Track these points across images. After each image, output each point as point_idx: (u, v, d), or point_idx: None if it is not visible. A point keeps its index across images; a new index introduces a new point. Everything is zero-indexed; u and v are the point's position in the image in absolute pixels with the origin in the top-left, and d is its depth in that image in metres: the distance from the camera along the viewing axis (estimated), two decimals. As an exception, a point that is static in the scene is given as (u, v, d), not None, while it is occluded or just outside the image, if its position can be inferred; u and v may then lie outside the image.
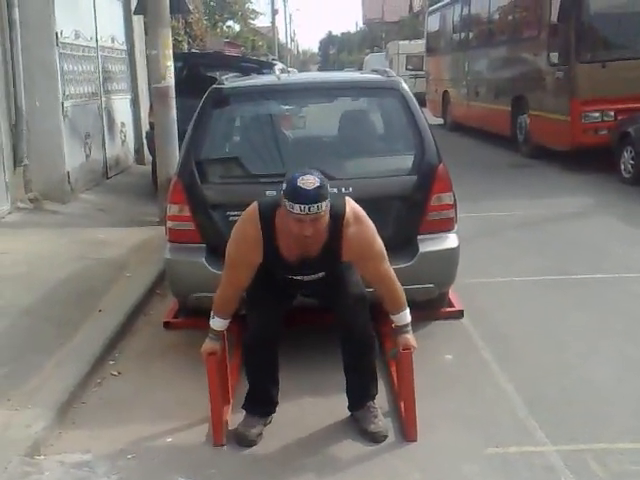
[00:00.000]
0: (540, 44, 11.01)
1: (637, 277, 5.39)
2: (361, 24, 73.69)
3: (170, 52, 7.15)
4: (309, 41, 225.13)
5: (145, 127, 10.83)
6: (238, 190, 4.06)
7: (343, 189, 3.79)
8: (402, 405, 3.36)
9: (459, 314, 4.50)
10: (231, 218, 3.83)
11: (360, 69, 30.40)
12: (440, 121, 17.09)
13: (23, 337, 4.28)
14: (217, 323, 3.27)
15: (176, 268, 4.16)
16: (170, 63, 7.11)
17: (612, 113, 9.71)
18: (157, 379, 3.94)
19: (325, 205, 2.92)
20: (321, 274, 3.24)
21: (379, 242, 3.16)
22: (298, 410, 3.49)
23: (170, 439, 3.28)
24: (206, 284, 3.74)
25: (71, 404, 3.56)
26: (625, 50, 9.94)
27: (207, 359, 3.24)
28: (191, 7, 12.25)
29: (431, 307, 4.34)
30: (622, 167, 9.05)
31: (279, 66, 11.55)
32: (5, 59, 7.37)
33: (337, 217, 3.06)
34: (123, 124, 10.96)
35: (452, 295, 4.59)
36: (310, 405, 3.56)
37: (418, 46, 24.30)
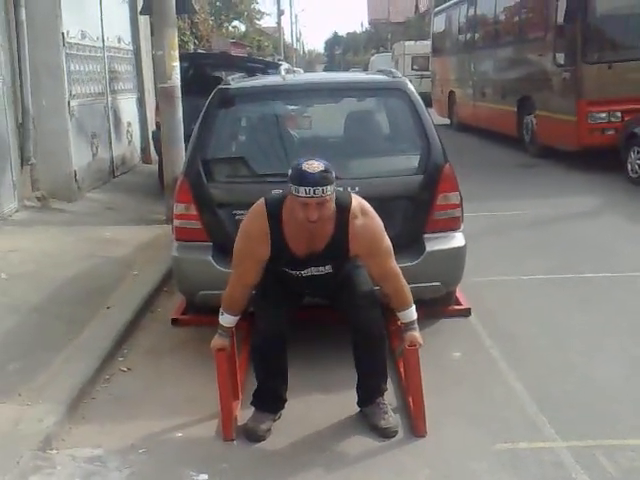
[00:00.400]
0: (546, 45, 11.01)
1: (644, 276, 5.39)
2: (367, 24, 73.70)
3: (176, 52, 7.18)
4: (315, 41, 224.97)
5: (151, 126, 10.88)
6: (244, 189, 4.08)
7: (349, 189, 3.79)
8: (410, 401, 3.37)
9: (467, 312, 4.52)
10: (237, 217, 3.85)
11: (366, 70, 30.45)
12: (446, 121, 17.08)
13: (33, 334, 4.30)
14: (226, 319, 3.29)
15: (183, 266, 4.19)
16: (176, 63, 7.13)
17: (619, 114, 9.69)
18: (166, 375, 3.96)
19: (331, 190, 2.95)
20: (328, 269, 3.24)
21: (386, 238, 3.18)
22: (306, 406, 3.50)
23: (180, 434, 3.30)
24: (213, 282, 3.77)
25: (81, 399, 3.57)
26: (631, 51, 9.90)
27: (216, 355, 3.25)
28: (197, 7, 12.29)
29: (438, 305, 4.36)
30: (629, 167, 9.04)
31: (285, 66, 11.57)
32: (12, 59, 7.40)
33: (343, 209, 3.09)
34: (129, 123, 10.99)
35: (459, 293, 4.60)
36: (318, 401, 3.56)
37: (424, 47, 24.29)
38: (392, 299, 3.26)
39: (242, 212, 3.53)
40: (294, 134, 4.87)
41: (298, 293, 3.42)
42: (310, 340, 4.07)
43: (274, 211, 3.13)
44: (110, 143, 9.90)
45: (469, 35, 15.83)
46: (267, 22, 47.96)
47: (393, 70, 4.90)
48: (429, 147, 4.14)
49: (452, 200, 4.12)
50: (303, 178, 2.92)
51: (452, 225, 4.16)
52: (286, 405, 3.40)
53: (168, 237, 4.96)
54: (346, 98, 4.72)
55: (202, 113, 4.31)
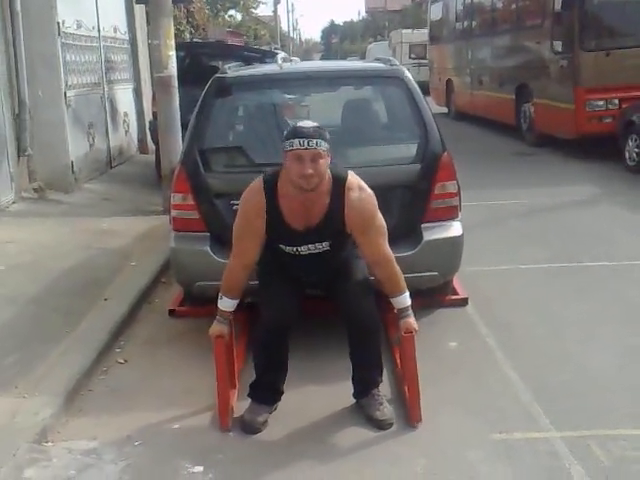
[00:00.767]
0: (544, 32, 10.96)
1: (641, 265, 5.39)
2: (364, 13, 73.48)
3: (172, 41, 7.14)
4: (312, 30, 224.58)
5: (148, 116, 10.84)
6: (242, 179, 4.05)
7: None
8: (406, 389, 3.38)
9: (463, 302, 4.52)
10: (235, 207, 3.82)
11: (363, 58, 30.31)
12: (444, 110, 17.03)
13: (29, 326, 4.30)
14: (225, 303, 3.28)
15: (180, 257, 4.18)
16: (172, 52, 7.11)
17: (617, 101, 9.67)
18: (163, 367, 3.96)
19: (324, 146, 3.03)
20: (326, 246, 3.24)
21: (380, 217, 3.21)
22: (303, 398, 3.51)
23: (177, 426, 3.30)
24: (210, 272, 3.76)
25: (78, 392, 3.58)
26: (629, 38, 9.88)
27: (215, 342, 3.25)
28: (193, -4, 12.22)
29: (436, 295, 4.37)
30: (627, 155, 9.03)
31: (282, 55, 11.49)
32: (7, 49, 7.37)
33: (339, 182, 3.14)
34: (126, 114, 10.95)
35: (456, 283, 4.61)
36: (314, 393, 3.57)
37: (421, 35, 24.17)
38: (385, 285, 3.26)
39: (239, 202, 3.52)
40: (291, 123, 4.85)
41: (300, 283, 3.39)
42: (307, 332, 4.06)
43: (270, 184, 3.18)
44: (107, 133, 9.88)
45: (466, 23, 15.76)
46: (263, 11, 47.80)
47: (391, 58, 4.89)
48: (427, 135, 4.13)
49: (450, 189, 4.12)
50: (298, 132, 3.04)
51: (450, 214, 4.15)
52: (283, 396, 3.40)
53: (165, 228, 4.95)
54: (343, 86, 4.71)
55: (199, 102, 4.29)
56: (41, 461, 2.97)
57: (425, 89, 11.50)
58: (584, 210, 7.26)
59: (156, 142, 8.32)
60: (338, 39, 76.72)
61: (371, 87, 4.78)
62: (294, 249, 3.26)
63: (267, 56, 9.79)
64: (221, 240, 3.86)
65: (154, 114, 8.49)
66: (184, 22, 18.80)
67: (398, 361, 3.68)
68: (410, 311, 3.26)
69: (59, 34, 8.04)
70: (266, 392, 3.35)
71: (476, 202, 6.88)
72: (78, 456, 3.05)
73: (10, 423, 3.17)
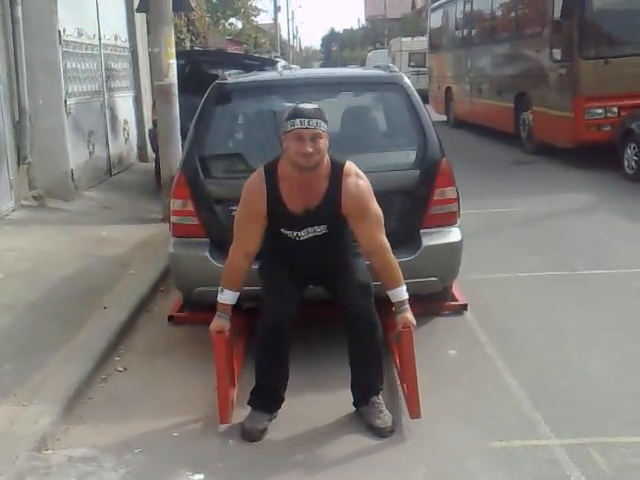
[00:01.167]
0: (543, 41, 11.00)
1: (639, 273, 5.39)
2: (363, 21, 73.69)
3: (173, 50, 7.16)
4: (311, 38, 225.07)
5: (148, 124, 10.86)
6: (241, 185, 4.06)
7: None
8: (405, 387, 3.38)
9: (463, 308, 4.53)
10: (234, 213, 3.85)
11: (363, 66, 30.39)
12: (443, 118, 17.07)
13: (28, 333, 4.30)
14: (226, 296, 3.29)
15: (180, 262, 4.19)
16: (173, 61, 7.12)
17: (615, 109, 9.69)
18: (162, 375, 3.96)
19: (324, 127, 3.11)
20: (324, 229, 3.27)
21: (376, 206, 3.26)
22: (303, 405, 3.51)
23: (176, 434, 3.30)
24: (210, 278, 3.76)
25: (77, 400, 3.57)
26: (628, 46, 9.90)
27: (215, 337, 3.25)
28: (193, 4, 12.26)
29: (435, 301, 4.37)
30: (625, 163, 9.05)
31: (282, 63, 11.55)
32: (8, 57, 7.38)
33: (338, 167, 3.23)
34: (126, 121, 10.97)
35: (455, 290, 4.61)
36: (315, 400, 3.57)
37: (421, 43, 24.27)
38: (382, 275, 3.27)
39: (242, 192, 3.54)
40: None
41: (301, 281, 3.40)
42: (307, 340, 4.07)
43: (270, 169, 3.26)
44: (107, 141, 9.88)
45: (466, 31, 15.82)
46: (263, 19, 47.87)
47: (390, 65, 4.92)
48: (426, 142, 4.16)
49: (449, 195, 4.14)
50: (298, 112, 3.11)
51: (449, 220, 4.17)
52: (283, 404, 3.39)
53: (165, 236, 4.96)
54: (343, 93, 4.72)
55: (199, 108, 4.31)
56: (41, 469, 2.97)
57: (424, 97, 11.53)
58: (582, 218, 7.27)
59: (156, 150, 8.34)
60: (338, 47, 76.90)
61: (370, 93, 4.80)
62: (294, 233, 3.29)
63: (267, 64, 9.83)
64: (220, 246, 3.87)
65: (154, 122, 8.50)
66: (184, 30, 18.86)
67: (397, 358, 3.67)
68: (407, 305, 3.26)
69: (60, 42, 8.05)
70: (266, 399, 3.35)
71: (475, 210, 6.89)
72: (78, 464, 3.04)
73: (9, 431, 3.17)
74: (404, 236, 3.98)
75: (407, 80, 4.43)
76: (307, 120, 3.07)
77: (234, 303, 3.32)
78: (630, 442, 3.09)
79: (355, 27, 79.00)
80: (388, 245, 3.25)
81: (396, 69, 4.74)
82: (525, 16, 12.33)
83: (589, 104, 9.78)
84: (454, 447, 3.12)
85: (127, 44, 11.29)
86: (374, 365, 3.37)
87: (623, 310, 4.67)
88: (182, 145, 6.33)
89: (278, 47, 44.55)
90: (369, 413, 3.29)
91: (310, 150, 3.07)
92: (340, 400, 3.46)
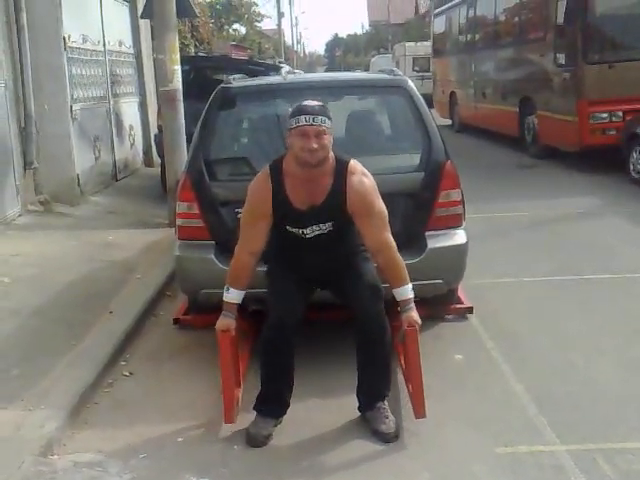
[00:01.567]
0: (547, 45, 11.01)
1: (646, 277, 5.39)
2: (367, 26, 73.78)
3: (177, 56, 7.19)
4: (315, 43, 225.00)
5: (153, 130, 10.90)
6: (246, 187, 4.08)
7: None
8: (410, 387, 3.37)
9: (469, 311, 4.53)
10: (239, 215, 3.85)
11: (367, 71, 30.43)
12: (448, 122, 17.09)
13: (35, 338, 4.31)
14: (232, 295, 3.29)
15: (185, 265, 4.21)
16: (177, 66, 7.15)
17: (620, 113, 9.69)
18: (168, 380, 3.96)
19: (328, 124, 3.14)
20: (329, 226, 3.27)
21: (381, 204, 3.27)
22: (307, 410, 3.50)
23: (181, 439, 3.30)
24: (215, 280, 3.75)
25: (84, 404, 3.58)
26: (632, 51, 9.90)
27: (221, 336, 3.25)
28: (197, 11, 12.29)
29: (441, 304, 4.37)
30: (631, 167, 9.04)
31: (286, 69, 11.56)
32: (14, 63, 7.43)
33: (342, 165, 3.25)
34: (131, 127, 11.02)
35: (461, 293, 4.61)
36: (320, 405, 3.57)
37: (425, 48, 24.32)
38: (387, 273, 3.27)
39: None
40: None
41: (308, 283, 3.40)
42: (312, 344, 4.07)
43: (275, 166, 3.29)
44: (112, 147, 9.93)
45: (469, 36, 15.83)
46: (267, 24, 48.03)
47: (394, 69, 4.94)
48: (430, 144, 4.17)
49: (454, 197, 4.15)
50: (303, 109, 3.14)
51: (454, 222, 4.18)
52: (287, 410, 3.40)
53: (171, 241, 4.96)
54: (347, 96, 4.74)
55: (204, 112, 4.34)
56: (47, 474, 2.97)
57: (429, 102, 11.56)
58: (588, 222, 7.26)
59: (161, 155, 8.37)
60: (342, 52, 77.06)
61: (375, 97, 4.82)
62: (300, 231, 3.29)
63: (271, 69, 9.84)
64: (226, 248, 3.88)
65: (159, 127, 8.53)
66: (189, 36, 18.93)
67: (402, 361, 3.66)
68: (412, 304, 3.26)
69: (65, 48, 8.10)
70: (272, 404, 3.35)
71: (480, 214, 6.88)
72: (84, 469, 3.05)
73: (16, 436, 3.17)
74: (409, 238, 3.98)
75: (411, 83, 4.46)
76: (312, 117, 3.10)
77: (240, 302, 3.32)
78: (636, 448, 3.08)
79: (359, 32, 79.19)
80: (394, 243, 3.26)
81: (400, 72, 4.76)
82: (529, 21, 12.34)
83: (593, 108, 9.78)
84: (459, 452, 3.11)
85: (132, 50, 11.35)
86: (382, 370, 3.37)
87: (628, 314, 4.66)
88: (187, 150, 6.36)
89: (282, 52, 44.62)
90: (374, 418, 3.29)
91: (315, 146, 3.09)
92: (345, 405, 3.46)
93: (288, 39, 57.87)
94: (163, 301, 5.26)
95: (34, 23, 7.61)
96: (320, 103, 3.21)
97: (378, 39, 59.52)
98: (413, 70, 26.05)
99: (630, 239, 6.52)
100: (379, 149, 4.48)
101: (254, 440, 3.23)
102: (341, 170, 3.23)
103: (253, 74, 8.48)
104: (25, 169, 7.54)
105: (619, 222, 7.18)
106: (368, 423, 3.31)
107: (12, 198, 7.25)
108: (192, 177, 4.15)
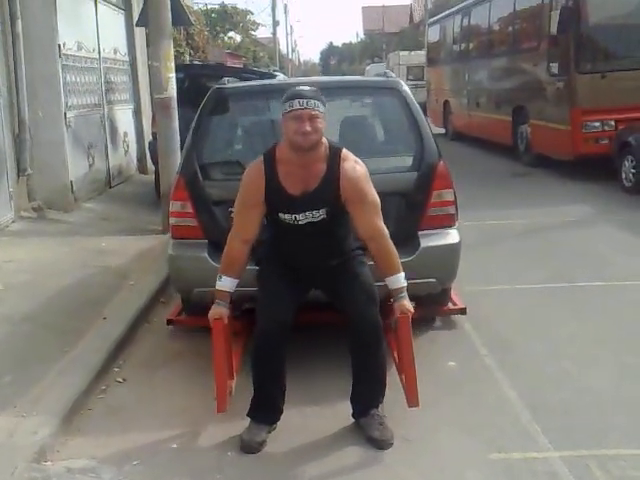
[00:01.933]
0: (540, 55, 11.08)
1: (638, 285, 5.41)
2: (362, 35, 74.06)
3: (172, 63, 7.21)
4: (310, 52, 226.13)
5: (147, 137, 10.90)
6: (239, 186, 4.10)
7: None
8: (403, 377, 3.37)
9: (462, 311, 4.53)
10: (233, 214, 3.87)
11: (361, 79, 30.46)
12: (441, 130, 17.14)
13: (27, 345, 4.30)
14: (224, 283, 3.29)
15: (179, 264, 4.23)
16: (172, 74, 7.17)
17: (612, 122, 9.76)
18: (162, 386, 3.96)
19: (322, 108, 3.17)
20: (322, 213, 3.27)
21: (374, 192, 3.30)
22: (302, 416, 3.50)
23: (175, 445, 3.30)
24: (209, 279, 3.74)
25: (77, 411, 3.57)
26: (624, 60, 9.99)
27: (213, 324, 3.25)
28: (192, 19, 12.32)
29: (434, 304, 4.38)
30: (623, 176, 9.09)
31: (280, 77, 11.60)
32: (8, 70, 7.43)
33: (335, 152, 3.28)
34: (126, 134, 11.02)
35: (454, 295, 4.62)
36: (314, 411, 3.57)
37: (419, 57, 24.45)
38: (379, 262, 3.28)
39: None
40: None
41: (300, 285, 3.39)
42: (307, 349, 4.08)
43: (269, 153, 3.32)
44: (106, 154, 9.92)
45: (463, 45, 15.92)
46: (262, 33, 48.13)
47: (387, 71, 5.00)
48: (423, 145, 4.21)
49: (446, 197, 4.19)
50: (297, 94, 3.19)
51: (447, 222, 4.22)
52: (282, 415, 3.39)
53: (164, 247, 4.97)
54: (341, 97, 4.76)
55: (198, 112, 4.37)
56: (39, 480, 2.97)
57: (423, 110, 11.60)
58: (581, 230, 7.29)
59: (156, 162, 8.37)
60: (336, 61, 77.29)
61: (368, 98, 4.87)
62: (293, 217, 3.29)
63: (265, 77, 9.87)
64: (219, 247, 3.87)
65: (154, 135, 8.54)
66: (184, 44, 18.93)
67: (395, 354, 3.65)
68: (405, 293, 3.28)
69: (60, 55, 8.10)
70: (265, 411, 3.34)
71: (473, 222, 6.90)
72: (77, 475, 3.04)
73: (8, 442, 3.16)
74: (403, 237, 3.99)
75: (404, 85, 4.52)
76: (305, 101, 3.14)
77: (232, 290, 3.32)
78: (629, 454, 3.09)
79: (353, 41, 79.40)
80: (386, 231, 3.28)
81: (393, 75, 4.81)
82: (522, 30, 12.42)
83: (586, 117, 9.85)
84: (453, 458, 3.12)
85: (127, 58, 11.36)
86: (377, 377, 3.36)
87: (620, 322, 4.68)
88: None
89: (277, 61, 44.74)
90: (368, 425, 3.29)
91: (308, 129, 3.11)
92: (339, 411, 3.46)
93: (283, 47, 58.15)
94: (156, 308, 5.25)
95: (29, 31, 7.62)
96: (314, 88, 3.25)
97: (373, 48, 59.77)
98: (407, 79, 26.05)
99: (622, 247, 6.55)
100: (373, 149, 4.49)
101: (248, 447, 3.22)
102: (334, 157, 3.26)
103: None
104: (19, 176, 7.53)
105: (611, 230, 7.21)
106: (362, 430, 3.31)
107: (5, 204, 7.24)
108: (185, 176, 4.18)
